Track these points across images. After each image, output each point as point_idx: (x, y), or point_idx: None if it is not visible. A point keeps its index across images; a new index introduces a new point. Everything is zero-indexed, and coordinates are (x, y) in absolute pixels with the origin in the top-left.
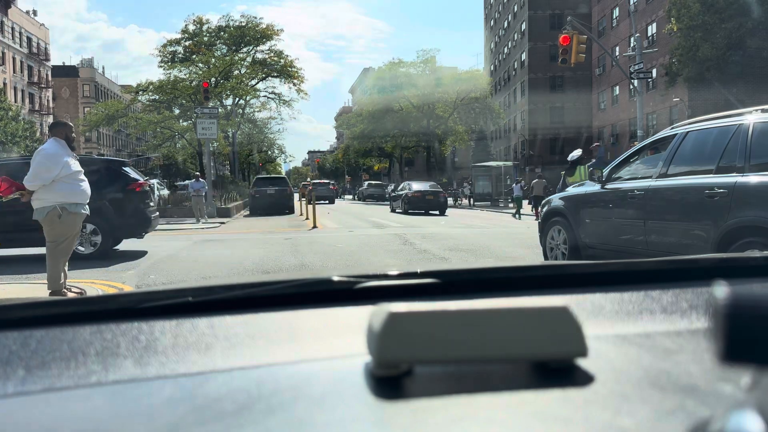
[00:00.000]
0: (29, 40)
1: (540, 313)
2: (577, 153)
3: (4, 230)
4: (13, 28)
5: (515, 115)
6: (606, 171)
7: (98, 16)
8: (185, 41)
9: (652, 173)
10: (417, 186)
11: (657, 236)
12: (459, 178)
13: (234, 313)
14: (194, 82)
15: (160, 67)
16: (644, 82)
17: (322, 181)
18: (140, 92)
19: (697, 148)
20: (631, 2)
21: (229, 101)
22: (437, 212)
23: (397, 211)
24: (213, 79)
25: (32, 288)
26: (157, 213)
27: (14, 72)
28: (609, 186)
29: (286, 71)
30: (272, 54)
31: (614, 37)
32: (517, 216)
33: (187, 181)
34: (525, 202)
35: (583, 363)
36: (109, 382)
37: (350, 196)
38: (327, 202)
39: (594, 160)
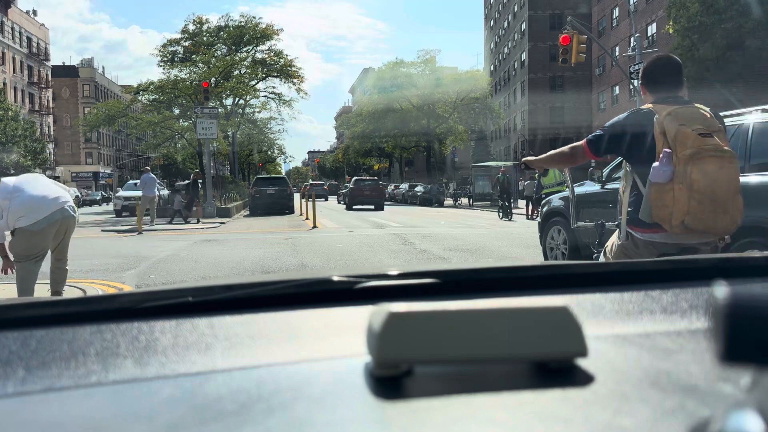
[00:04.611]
0: (29, 40)
1: (540, 313)
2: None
3: None
4: (13, 28)
5: (515, 115)
6: (606, 171)
7: (101, 17)
8: (185, 41)
9: None
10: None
11: None
12: (459, 178)
13: (234, 313)
14: (194, 82)
15: (160, 66)
16: None
17: (318, 182)
18: (140, 92)
19: None
20: (631, 2)
21: (229, 101)
22: (373, 207)
23: (343, 202)
24: (213, 79)
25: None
26: None
27: (14, 72)
28: (609, 186)
29: (285, 71)
30: (272, 54)
31: (614, 37)
32: (499, 215)
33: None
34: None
35: (583, 363)
36: (109, 382)
37: None
38: (323, 199)
39: None
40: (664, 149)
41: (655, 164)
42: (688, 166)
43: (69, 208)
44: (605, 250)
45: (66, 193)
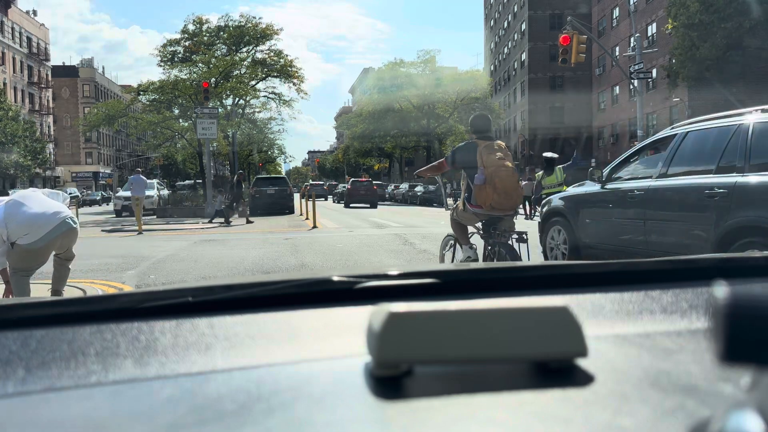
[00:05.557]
0: (29, 40)
1: (540, 313)
2: (552, 154)
3: None
4: (13, 28)
5: (515, 115)
6: (606, 171)
7: (101, 17)
8: (185, 41)
9: (652, 173)
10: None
11: (657, 236)
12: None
13: (234, 313)
14: (194, 82)
15: (160, 66)
16: (644, 82)
17: (317, 182)
18: (141, 92)
19: (697, 148)
20: (631, 2)
21: (229, 101)
22: (368, 205)
23: (337, 202)
24: (213, 80)
25: (32, 288)
26: None
27: (14, 72)
28: (609, 186)
29: (285, 71)
30: (272, 54)
31: (614, 37)
32: None
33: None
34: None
35: (583, 363)
36: (109, 382)
37: None
38: (323, 199)
39: (569, 162)
40: (480, 166)
41: (477, 174)
42: (492, 175)
43: (70, 221)
44: (452, 209)
45: (63, 206)
